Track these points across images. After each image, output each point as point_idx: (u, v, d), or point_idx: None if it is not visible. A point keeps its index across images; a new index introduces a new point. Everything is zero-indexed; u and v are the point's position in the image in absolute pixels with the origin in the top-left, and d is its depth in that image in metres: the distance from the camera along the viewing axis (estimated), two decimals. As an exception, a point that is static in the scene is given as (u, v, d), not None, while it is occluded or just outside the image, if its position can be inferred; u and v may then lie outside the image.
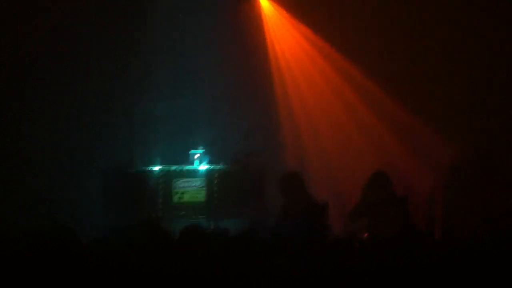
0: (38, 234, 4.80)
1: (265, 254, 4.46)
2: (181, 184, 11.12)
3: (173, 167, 11.17)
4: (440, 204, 9.66)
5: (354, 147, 11.38)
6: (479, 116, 10.56)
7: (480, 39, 10.63)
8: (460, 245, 4.15)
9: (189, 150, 11.35)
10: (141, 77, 11.44)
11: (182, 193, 11.12)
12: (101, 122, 11.19)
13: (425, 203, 9.87)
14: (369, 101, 11.32)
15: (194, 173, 11.19)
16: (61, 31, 10.74)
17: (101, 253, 4.67)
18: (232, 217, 10.53)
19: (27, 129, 10.71)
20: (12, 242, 4.73)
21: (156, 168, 11.11)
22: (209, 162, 11.32)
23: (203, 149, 11.39)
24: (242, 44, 11.45)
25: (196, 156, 11.29)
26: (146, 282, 4.15)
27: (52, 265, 4.02)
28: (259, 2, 11.80)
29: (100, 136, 11.10)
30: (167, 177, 11.07)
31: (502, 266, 3.72)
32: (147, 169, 11.15)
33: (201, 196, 11.13)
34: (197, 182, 11.17)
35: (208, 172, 11.19)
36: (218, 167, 11.27)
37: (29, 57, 10.63)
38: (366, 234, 7.29)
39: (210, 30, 11.42)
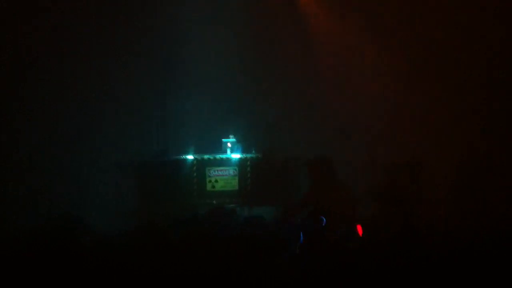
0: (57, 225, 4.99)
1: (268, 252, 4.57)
2: (214, 172, 11.31)
3: (206, 156, 11.36)
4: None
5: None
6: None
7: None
8: (460, 245, 4.16)
9: (222, 138, 11.55)
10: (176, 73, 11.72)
11: (216, 181, 11.29)
12: (135, 113, 11.49)
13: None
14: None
15: (227, 162, 11.37)
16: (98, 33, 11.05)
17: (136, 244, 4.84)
18: (264, 205, 10.65)
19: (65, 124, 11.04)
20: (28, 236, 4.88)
21: (190, 156, 11.31)
22: (242, 151, 11.50)
23: (234, 137, 11.56)
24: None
25: (228, 145, 11.46)
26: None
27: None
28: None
29: (134, 127, 11.41)
30: (201, 166, 11.28)
31: (502, 266, 3.73)
32: (181, 157, 11.36)
33: (233, 184, 11.31)
34: (230, 171, 11.34)
35: (241, 161, 11.37)
36: (250, 155, 11.44)
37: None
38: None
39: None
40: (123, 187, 10.83)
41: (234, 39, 11.71)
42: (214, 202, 11.08)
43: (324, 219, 6.84)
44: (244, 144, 11.54)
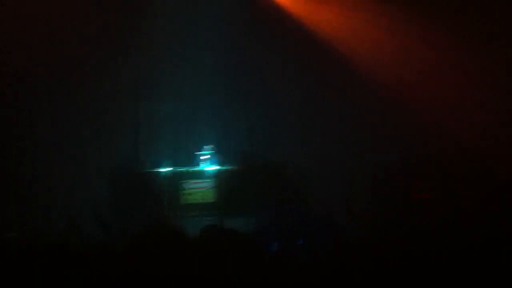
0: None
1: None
2: (189, 185, 11.12)
3: (181, 169, 11.17)
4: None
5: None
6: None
7: None
8: (459, 245, 4.14)
9: (196, 151, 11.39)
10: (147, 78, 11.49)
11: (190, 194, 11.11)
12: (107, 123, 11.22)
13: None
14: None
15: (201, 174, 11.19)
16: (65, 31, 10.78)
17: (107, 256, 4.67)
18: (241, 217, 10.51)
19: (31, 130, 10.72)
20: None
21: (164, 169, 11.09)
22: (217, 163, 11.36)
23: (210, 150, 11.42)
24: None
25: (203, 157, 11.31)
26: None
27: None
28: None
29: (107, 137, 11.14)
30: (175, 179, 11.06)
31: (502, 266, 3.72)
32: (154, 170, 11.13)
33: (208, 197, 11.14)
34: (205, 183, 11.17)
35: (216, 173, 11.21)
36: (225, 167, 11.30)
37: (29, 57, 10.62)
38: None
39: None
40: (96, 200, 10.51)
41: (213, 42, 11.64)
42: (190, 215, 10.91)
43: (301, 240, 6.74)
44: (220, 156, 11.41)
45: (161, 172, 11.09)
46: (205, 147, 11.46)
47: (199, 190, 11.10)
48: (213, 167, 11.26)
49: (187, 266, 4.47)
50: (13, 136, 10.50)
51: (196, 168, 11.25)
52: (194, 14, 11.61)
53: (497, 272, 3.73)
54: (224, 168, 11.29)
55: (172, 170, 11.11)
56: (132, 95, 11.61)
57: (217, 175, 11.17)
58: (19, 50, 10.53)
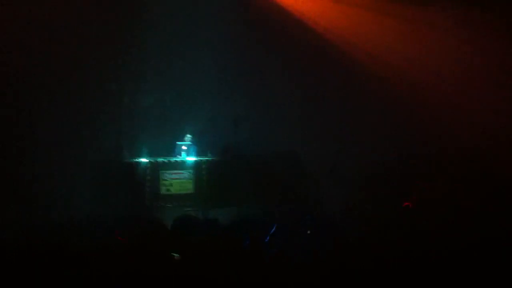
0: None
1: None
2: (169, 175, 11.12)
3: (161, 159, 11.16)
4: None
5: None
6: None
7: None
8: (459, 245, 4.22)
9: (177, 141, 11.40)
10: (129, 70, 11.45)
11: (170, 184, 11.11)
12: (88, 114, 11.16)
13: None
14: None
15: (182, 165, 11.20)
16: (55, 28, 10.69)
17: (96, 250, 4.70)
18: (221, 208, 10.56)
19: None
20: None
21: (144, 159, 11.08)
22: (197, 154, 11.38)
23: (190, 140, 11.44)
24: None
25: (183, 148, 11.32)
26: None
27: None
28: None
29: (88, 128, 11.08)
30: (155, 169, 11.04)
31: (502, 266, 3.80)
32: (134, 160, 11.11)
33: (189, 187, 11.16)
34: (185, 174, 11.19)
35: (196, 164, 11.24)
36: (206, 158, 11.34)
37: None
38: None
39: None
40: (77, 189, 10.47)
41: (195, 35, 11.62)
42: (169, 205, 10.93)
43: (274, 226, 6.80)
44: (199, 147, 11.44)
45: (141, 162, 11.06)
46: (185, 137, 11.47)
47: (179, 181, 11.13)
48: (192, 158, 11.28)
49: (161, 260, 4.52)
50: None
51: (176, 159, 11.26)
52: (182, 7, 11.57)
53: (497, 272, 3.82)
54: (204, 158, 11.32)
55: (152, 160, 11.09)
56: (114, 86, 11.54)
57: (197, 165, 11.20)
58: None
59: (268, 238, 6.48)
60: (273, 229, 6.82)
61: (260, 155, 11.20)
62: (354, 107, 11.65)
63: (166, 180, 11.07)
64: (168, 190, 11.07)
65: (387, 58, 11.25)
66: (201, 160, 11.27)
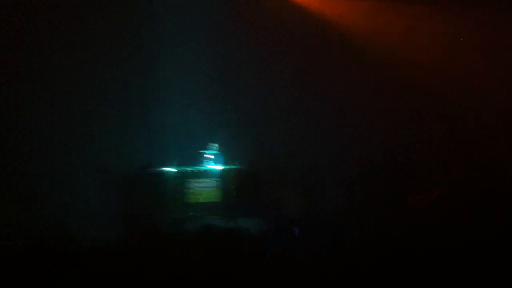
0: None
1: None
2: (197, 184, 11.14)
3: (189, 168, 11.19)
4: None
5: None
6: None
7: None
8: (458, 245, 4.12)
9: (204, 151, 11.41)
10: (154, 80, 11.56)
11: (199, 194, 11.12)
12: (113, 124, 11.30)
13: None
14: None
15: (209, 174, 11.20)
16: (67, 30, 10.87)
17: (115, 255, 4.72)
18: (248, 217, 10.50)
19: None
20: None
21: (172, 169, 11.12)
22: (224, 163, 11.37)
23: (215, 149, 11.44)
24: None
25: (210, 157, 11.33)
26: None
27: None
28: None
29: (113, 138, 11.21)
30: (183, 178, 11.07)
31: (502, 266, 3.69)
32: (163, 170, 11.15)
33: (216, 196, 11.14)
34: (212, 183, 11.18)
35: (223, 173, 11.22)
36: (233, 167, 11.31)
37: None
38: None
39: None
40: (103, 199, 10.58)
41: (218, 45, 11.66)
42: (197, 215, 10.93)
43: (297, 230, 6.72)
44: (227, 156, 11.42)
45: (166, 171, 11.11)
46: (210, 146, 11.48)
47: (204, 190, 11.13)
48: (217, 167, 11.28)
49: (185, 266, 4.51)
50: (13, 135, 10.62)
51: (201, 168, 11.27)
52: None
53: (497, 272, 3.71)
54: (228, 167, 11.30)
55: (177, 169, 11.13)
56: (138, 96, 11.66)
57: (222, 175, 11.18)
58: (21, 49, 10.63)
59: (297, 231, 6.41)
60: (298, 232, 6.74)
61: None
62: (352, 107, 11.50)
63: (191, 189, 11.08)
64: (193, 199, 11.08)
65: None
66: (225, 169, 11.24)
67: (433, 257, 3.79)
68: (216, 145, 11.49)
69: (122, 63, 11.21)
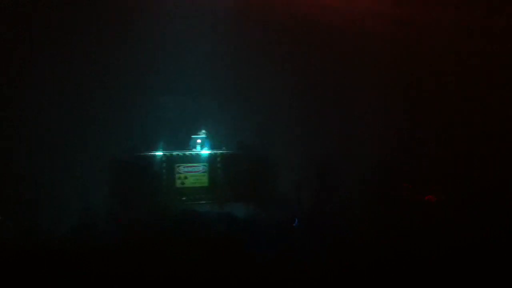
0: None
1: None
2: (184, 169, 11.19)
3: (175, 152, 11.22)
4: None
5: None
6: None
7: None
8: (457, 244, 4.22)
9: (192, 135, 11.44)
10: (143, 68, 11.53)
11: (185, 177, 11.18)
12: (102, 109, 11.25)
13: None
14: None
15: (196, 158, 11.26)
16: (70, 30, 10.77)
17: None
18: (235, 202, 10.59)
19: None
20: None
21: (159, 153, 11.15)
22: (211, 147, 11.42)
23: (203, 134, 11.47)
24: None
25: (198, 141, 11.36)
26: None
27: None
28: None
29: (102, 122, 11.17)
30: (170, 162, 11.13)
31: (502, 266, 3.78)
32: (149, 154, 11.18)
33: (203, 180, 11.22)
34: (199, 167, 11.25)
35: (211, 157, 11.29)
36: (220, 152, 11.37)
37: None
38: None
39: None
40: (91, 183, 10.58)
41: (211, 35, 11.60)
42: (184, 198, 11.00)
43: (296, 220, 6.82)
44: (215, 140, 11.47)
45: (155, 155, 11.13)
46: (199, 131, 11.51)
47: (194, 174, 11.20)
48: (206, 151, 11.32)
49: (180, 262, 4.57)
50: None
51: (191, 152, 11.30)
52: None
53: (496, 271, 3.81)
54: (218, 152, 11.35)
55: (166, 153, 11.16)
56: (127, 82, 11.59)
57: (211, 159, 11.24)
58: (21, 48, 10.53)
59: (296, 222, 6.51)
60: (296, 223, 6.84)
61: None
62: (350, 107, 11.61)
63: (181, 173, 11.13)
64: (182, 183, 11.14)
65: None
66: (215, 153, 11.30)
67: (433, 257, 3.90)
68: (204, 130, 11.52)
69: (114, 54, 11.12)
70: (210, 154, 11.32)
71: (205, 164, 11.27)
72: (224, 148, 11.46)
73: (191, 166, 11.24)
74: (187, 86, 11.84)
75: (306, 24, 11.51)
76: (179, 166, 11.20)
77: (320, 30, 11.43)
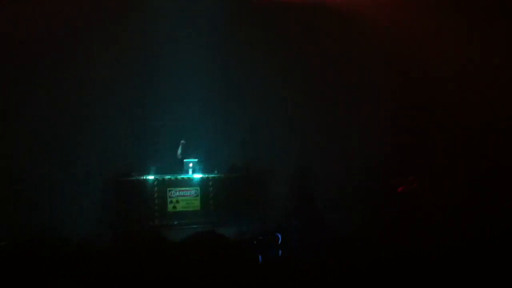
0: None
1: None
2: (176, 192, 11.14)
3: (168, 176, 11.19)
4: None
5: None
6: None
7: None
8: (459, 244, 4.20)
9: (184, 159, 11.43)
10: (138, 87, 11.56)
11: (177, 201, 11.12)
12: (96, 130, 11.24)
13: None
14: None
15: (188, 182, 11.23)
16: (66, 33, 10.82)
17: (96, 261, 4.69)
18: (228, 225, 10.51)
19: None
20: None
21: (151, 177, 11.10)
22: (203, 171, 11.40)
23: (196, 158, 11.46)
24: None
25: (190, 165, 11.33)
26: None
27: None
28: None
29: (95, 144, 11.14)
30: (162, 186, 11.07)
31: (502, 266, 3.77)
32: (142, 178, 11.13)
33: (195, 204, 11.17)
34: (191, 191, 11.21)
35: (203, 181, 11.26)
36: (212, 175, 11.35)
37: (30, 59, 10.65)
38: None
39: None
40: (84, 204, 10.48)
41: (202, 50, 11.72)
42: (176, 223, 10.92)
43: (280, 236, 6.78)
44: (206, 164, 11.45)
45: (148, 179, 11.09)
46: (191, 154, 11.50)
47: (186, 198, 11.16)
48: (199, 175, 11.30)
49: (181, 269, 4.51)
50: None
51: (183, 176, 11.28)
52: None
53: (495, 271, 3.79)
54: (210, 175, 11.34)
55: (159, 177, 11.12)
56: (122, 103, 11.63)
57: (203, 183, 11.22)
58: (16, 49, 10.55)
59: (280, 252, 6.47)
60: (280, 240, 6.81)
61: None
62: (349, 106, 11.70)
63: (173, 197, 11.09)
64: (174, 207, 11.07)
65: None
66: (207, 177, 11.28)
67: (433, 257, 3.88)
68: (197, 153, 11.52)
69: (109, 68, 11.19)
70: (202, 177, 11.29)
71: (197, 187, 11.23)
72: (216, 171, 11.43)
73: (182, 190, 11.20)
74: (180, 111, 11.92)
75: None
76: (171, 190, 11.15)
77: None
